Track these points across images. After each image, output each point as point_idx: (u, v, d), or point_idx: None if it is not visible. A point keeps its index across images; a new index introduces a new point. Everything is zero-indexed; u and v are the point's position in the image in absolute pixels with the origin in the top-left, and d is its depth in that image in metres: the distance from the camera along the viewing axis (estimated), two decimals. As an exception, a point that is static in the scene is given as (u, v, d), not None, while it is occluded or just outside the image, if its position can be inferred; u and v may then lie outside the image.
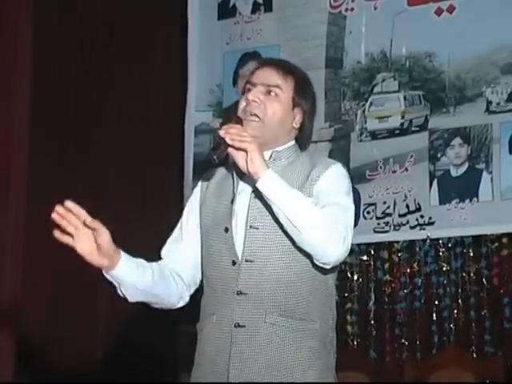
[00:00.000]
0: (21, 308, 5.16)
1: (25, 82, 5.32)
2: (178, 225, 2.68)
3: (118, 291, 2.51)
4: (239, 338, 2.45)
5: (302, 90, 2.60)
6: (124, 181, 5.61)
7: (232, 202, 2.54)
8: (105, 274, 2.47)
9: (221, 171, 2.65)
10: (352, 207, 2.48)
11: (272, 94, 2.55)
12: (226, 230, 2.52)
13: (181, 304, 2.66)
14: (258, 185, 2.40)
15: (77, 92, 5.61)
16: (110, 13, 5.72)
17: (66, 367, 5.14)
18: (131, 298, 2.53)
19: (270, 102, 2.55)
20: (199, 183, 2.69)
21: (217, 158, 2.44)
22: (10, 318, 5.14)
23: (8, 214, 5.17)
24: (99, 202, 5.49)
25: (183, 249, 2.64)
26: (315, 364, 2.45)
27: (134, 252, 5.53)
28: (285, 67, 2.62)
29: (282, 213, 2.37)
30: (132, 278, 2.49)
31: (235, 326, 2.46)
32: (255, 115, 2.53)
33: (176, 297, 2.63)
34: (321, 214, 2.38)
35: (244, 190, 2.54)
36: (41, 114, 5.42)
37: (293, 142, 2.62)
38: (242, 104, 2.57)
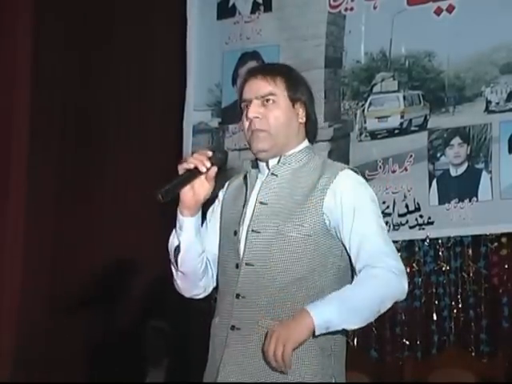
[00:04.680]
0: (21, 308, 5.16)
1: (25, 82, 5.32)
2: (204, 224, 2.70)
3: (172, 256, 2.58)
4: (233, 340, 2.47)
5: (294, 83, 2.60)
6: (123, 181, 5.62)
7: (243, 206, 2.56)
8: (180, 219, 2.54)
9: (238, 179, 2.69)
10: (380, 220, 2.60)
11: (270, 102, 2.56)
12: (235, 233, 2.54)
13: (203, 294, 2.68)
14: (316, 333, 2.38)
15: (76, 92, 5.62)
16: (110, 12, 5.72)
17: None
18: (185, 256, 2.57)
19: (270, 112, 2.55)
20: (220, 191, 2.70)
21: (163, 198, 2.42)
22: (10, 317, 5.14)
23: (8, 216, 5.17)
24: (99, 204, 5.51)
25: (209, 242, 2.65)
26: (304, 369, 2.42)
27: (133, 250, 5.49)
28: (270, 71, 2.61)
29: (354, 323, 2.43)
30: (194, 237, 2.56)
31: (231, 328, 2.48)
32: (261, 130, 2.55)
33: (205, 282, 2.66)
34: (374, 280, 2.43)
35: (253, 196, 2.56)
36: (41, 115, 5.43)
37: (305, 144, 2.62)
38: (246, 124, 2.58)
